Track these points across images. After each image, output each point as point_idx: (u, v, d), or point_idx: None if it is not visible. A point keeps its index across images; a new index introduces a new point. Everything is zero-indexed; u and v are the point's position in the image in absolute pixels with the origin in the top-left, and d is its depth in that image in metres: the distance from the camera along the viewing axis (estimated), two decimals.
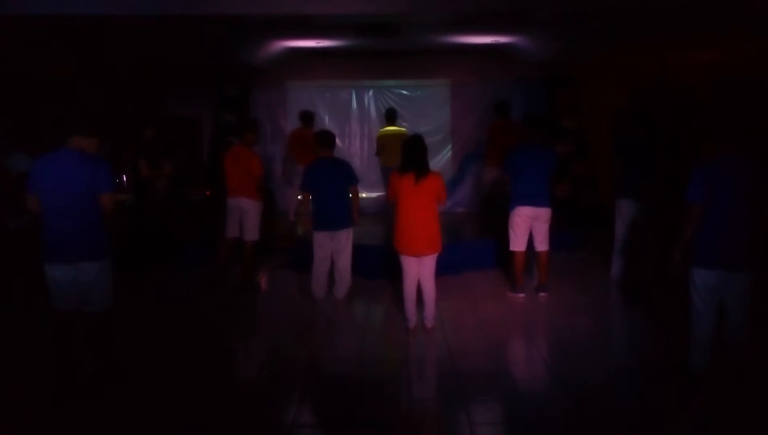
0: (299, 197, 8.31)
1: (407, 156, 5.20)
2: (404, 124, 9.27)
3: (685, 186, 4.13)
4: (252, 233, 6.54)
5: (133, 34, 6.73)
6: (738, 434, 3.71)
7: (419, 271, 5.32)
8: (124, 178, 8.05)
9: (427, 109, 10.45)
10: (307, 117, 9.24)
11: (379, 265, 6.95)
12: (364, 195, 9.92)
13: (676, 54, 7.26)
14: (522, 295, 6.26)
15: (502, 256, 6.93)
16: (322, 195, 6.07)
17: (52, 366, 4.21)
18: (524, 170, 6.06)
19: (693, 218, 4.09)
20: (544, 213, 6.11)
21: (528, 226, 6.15)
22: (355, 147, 10.63)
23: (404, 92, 10.51)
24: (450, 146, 10.58)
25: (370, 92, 10.60)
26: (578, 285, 6.66)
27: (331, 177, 6.06)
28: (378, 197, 9.67)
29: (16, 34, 6.03)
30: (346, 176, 6.12)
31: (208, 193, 9.41)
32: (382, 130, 9.00)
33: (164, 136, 8.05)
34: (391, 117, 8.90)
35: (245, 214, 6.48)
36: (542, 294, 6.25)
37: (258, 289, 6.79)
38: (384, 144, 8.70)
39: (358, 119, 10.64)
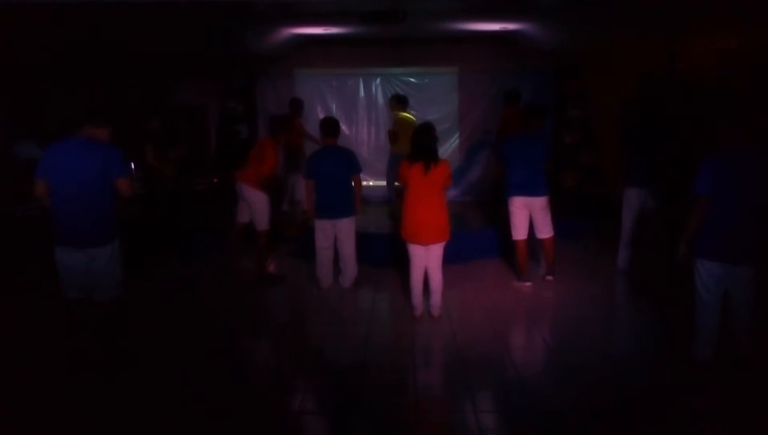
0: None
1: (417, 145, 5.20)
2: (412, 112, 9.21)
3: (692, 176, 4.11)
4: (261, 223, 6.48)
5: (140, 22, 6.72)
6: (741, 422, 3.72)
7: (427, 259, 5.33)
8: (132, 166, 8.07)
9: (434, 97, 10.41)
10: (294, 105, 9.15)
11: (385, 253, 6.95)
12: (371, 183, 9.96)
13: (685, 42, 7.19)
14: (528, 283, 6.25)
15: (507, 246, 6.93)
16: (324, 183, 6.07)
17: (61, 353, 4.25)
18: (516, 160, 6.08)
19: (700, 211, 4.07)
20: (538, 202, 6.11)
21: (526, 214, 6.15)
22: (362, 135, 10.60)
23: (412, 80, 10.47)
24: (457, 135, 10.55)
25: (378, 80, 10.56)
26: (584, 274, 6.64)
27: (333, 165, 6.06)
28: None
29: (20, 23, 6.03)
30: (349, 164, 6.12)
31: (215, 181, 9.43)
32: (402, 114, 8.91)
33: (171, 125, 8.05)
34: (404, 102, 8.81)
35: (249, 203, 6.45)
36: (549, 277, 6.28)
37: (280, 280, 6.67)
38: (401, 131, 8.58)
39: (365, 107, 10.61)
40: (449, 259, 5.70)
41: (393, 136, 8.80)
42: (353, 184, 6.16)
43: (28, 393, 4.12)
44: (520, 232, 6.21)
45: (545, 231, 6.21)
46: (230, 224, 6.72)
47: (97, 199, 4.12)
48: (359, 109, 10.61)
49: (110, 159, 4.15)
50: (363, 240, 6.50)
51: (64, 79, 7.12)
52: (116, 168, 4.18)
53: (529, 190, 6.09)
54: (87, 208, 4.09)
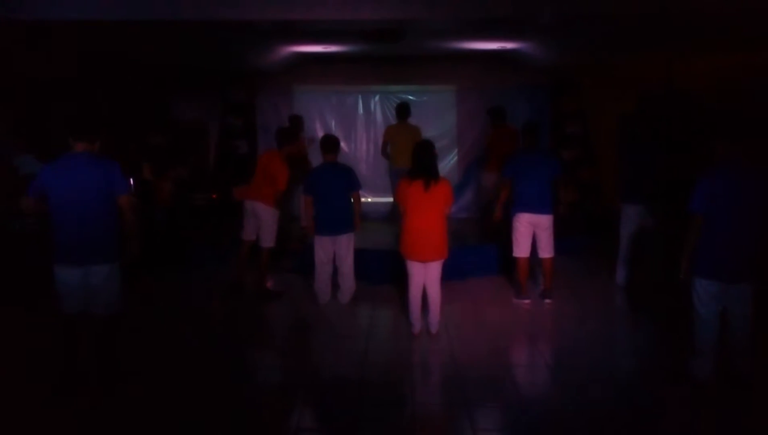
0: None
1: (417, 162, 5.22)
2: (412, 122, 9.14)
3: (690, 193, 4.13)
4: (268, 240, 6.41)
5: (142, 39, 6.77)
6: None
7: (425, 276, 5.33)
8: (132, 181, 8.07)
9: (432, 114, 10.43)
10: (294, 122, 9.11)
11: (384, 270, 6.95)
12: (369, 200, 9.97)
13: (683, 59, 7.26)
14: (527, 301, 6.25)
15: (506, 262, 6.93)
16: (323, 199, 6.10)
17: (57, 367, 4.24)
18: (524, 176, 6.07)
19: (696, 228, 4.09)
20: (544, 220, 6.11)
21: (530, 232, 6.14)
22: (361, 152, 10.64)
23: (410, 97, 10.48)
24: (456, 151, 10.60)
25: (377, 97, 10.62)
26: (583, 291, 6.65)
27: (333, 182, 6.09)
28: (386, 203, 9.61)
29: (25, 38, 6.08)
30: (348, 181, 6.15)
31: (213, 196, 9.44)
32: (391, 125, 8.88)
33: (173, 142, 8.06)
34: (403, 112, 8.59)
35: (260, 221, 6.37)
36: (547, 301, 6.24)
37: (278, 297, 6.57)
38: (393, 141, 8.48)
39: (364, 124, 10.66)
40: (448, 275, 5.70)
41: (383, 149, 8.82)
42: (352, 200, 6.18)
43: (20, 407, 4.10)
44: (522, 250, 6.19)
45: (547, 250, 6.19)
46: (239, 240, 6.64)
47: (97, 215, 4.10)
48: (358, 126, 10.66)
49: (111, 175, 4.14)
50: (361, 256, 6.50)
51: (66, 94, 7.15)
52: (117, 185, 4.17)
53: (535, 207, 6.06)
54: (88, 225, 4.08)
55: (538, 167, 6.09)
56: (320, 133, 10.32)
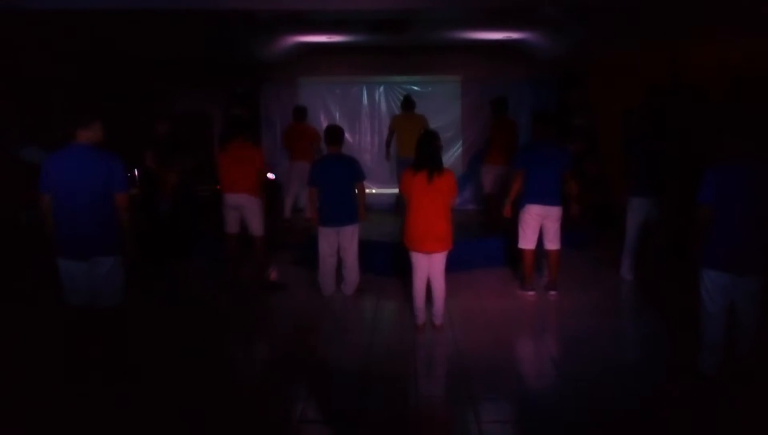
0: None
1: (421, 153, 5.20)
2: (418, 112, 9.12)
3: (697, 185, 4.11)
4: (257, 229, 6.41)
5: (145, 30, 6.76)
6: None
7: (429, 268, 5.32)
8: (136, 173, 8.07)
9: (437, 105, 10.41)
10: (298, 112, 9.19)
11: (388, 261, 6.95)
12: (374, 191, 9.97)
13: (689, 51, 7.21)
14: (531, 293, 6.24)
15: (512, 254, 6.91)
16: (327, 191, 6.08)
17: (62, 360, 4.25)
18: (536, 167, 5.99)
19: (704, 220, 4.06)
20: (554, 212, 6.07)
21: (538, 224, 6.11)
22: (365, 142, 10.64)
23: (415, 88, 10.49)
24: (460, 143, 10.58)
25: (381, 88, 10.61)
26: (588, 284, 6.63)
27: (337, 173, 6.07)
28: (391, 194, 9.59)
29: (29, 29, 6.08)
30: (352, 172, 6.13)
31: (218, 187, 9.43)
32: (396, 115, 8.87)
33: (178, 132, 8.04)
34: (409, 105, 8.69)
35: (245, 211, 6.36)
36: (552, 293, 6.22)
37: (281, 287, 6.60)
38: (399, 131, 8.45)
39: (368, 115, 10.65)
40: (452, 267, 5.68)
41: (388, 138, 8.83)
42: (356, 191, 6.17)
43: (25, 400, 4.12)
44: (529, 241, 6.16)
45: (554, 242, 6.15)
46: (226, 234, 6.63)
47: (99, 208, 4.09)
48: (363, 117, 10.65)
49: (111, 171, 4.11)
50: (366, 248, 6.50)
51: (70, 85, 7.15)
52: (117, 182, 4.13)
53: (546, 198, 6.01)
54: (89, 217, 4.06)
55: (551, 159, 6.01)
56: (324, 125, 10.34)
